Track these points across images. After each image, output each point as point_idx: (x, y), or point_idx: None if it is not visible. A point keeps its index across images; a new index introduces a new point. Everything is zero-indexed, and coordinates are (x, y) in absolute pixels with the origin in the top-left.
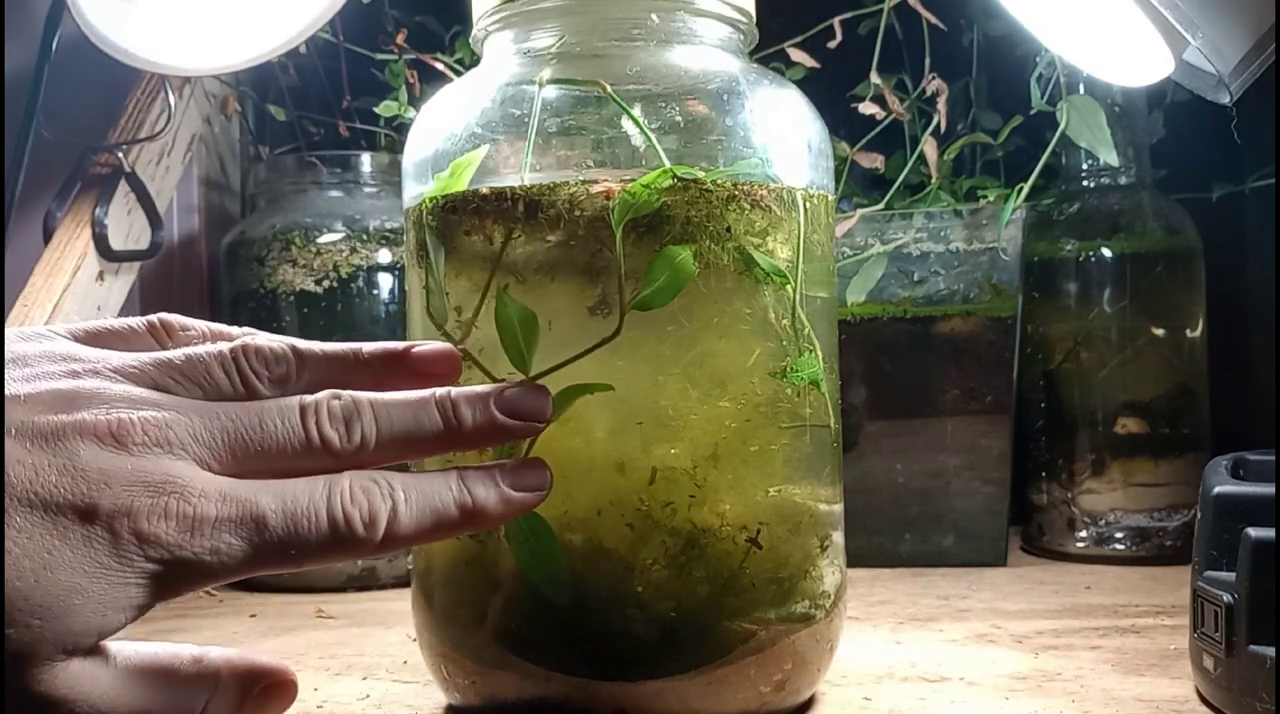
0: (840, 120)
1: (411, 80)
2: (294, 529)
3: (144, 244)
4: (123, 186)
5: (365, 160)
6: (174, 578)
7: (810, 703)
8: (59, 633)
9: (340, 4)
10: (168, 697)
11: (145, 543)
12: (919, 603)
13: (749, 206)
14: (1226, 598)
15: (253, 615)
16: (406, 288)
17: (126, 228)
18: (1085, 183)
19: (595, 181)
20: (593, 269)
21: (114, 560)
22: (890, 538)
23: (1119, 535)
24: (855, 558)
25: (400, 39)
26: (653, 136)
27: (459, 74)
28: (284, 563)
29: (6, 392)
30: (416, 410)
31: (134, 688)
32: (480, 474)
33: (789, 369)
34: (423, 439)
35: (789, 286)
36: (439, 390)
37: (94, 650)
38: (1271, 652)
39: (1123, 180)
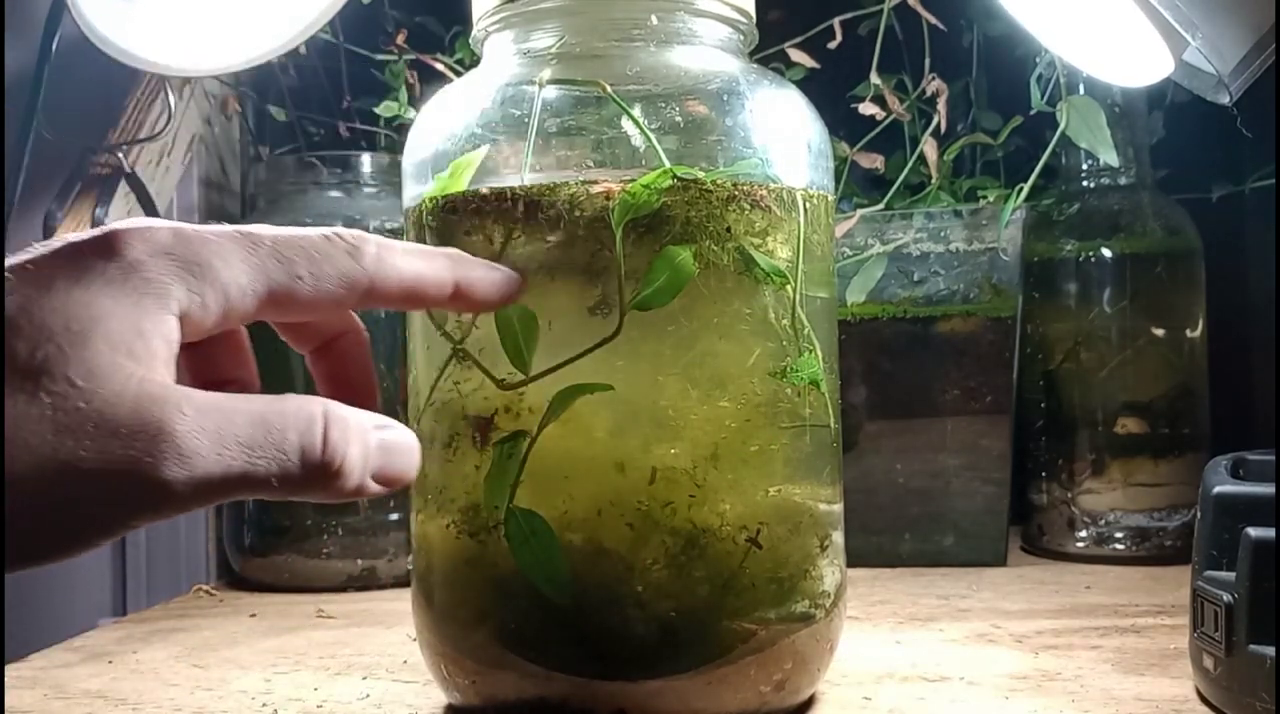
0: (840, 120)
1: (411, 81)
2: None
3: None
4: (123, 187)
5: (365, 161)
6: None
7: (810, 702)
8: None
9: (340, 4)
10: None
11: None
12: (919, 603)
13: (749, 207)
14: (1226, 598)
15: (253, 615)
16: None
17: None
18: (1085, 183)
19: (595, 182)
20: (593, 269)
21: None
22: (890, 538)
23: (1119, 535)
24: (855, 558)
25: (400, 39)
26: (653, 137)
27: (459, 74)
28: None
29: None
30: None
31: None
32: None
33: (789, 369)
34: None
35: (789, 286)
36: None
37: None
38: (1271, 651)
39: (1122, 181)
